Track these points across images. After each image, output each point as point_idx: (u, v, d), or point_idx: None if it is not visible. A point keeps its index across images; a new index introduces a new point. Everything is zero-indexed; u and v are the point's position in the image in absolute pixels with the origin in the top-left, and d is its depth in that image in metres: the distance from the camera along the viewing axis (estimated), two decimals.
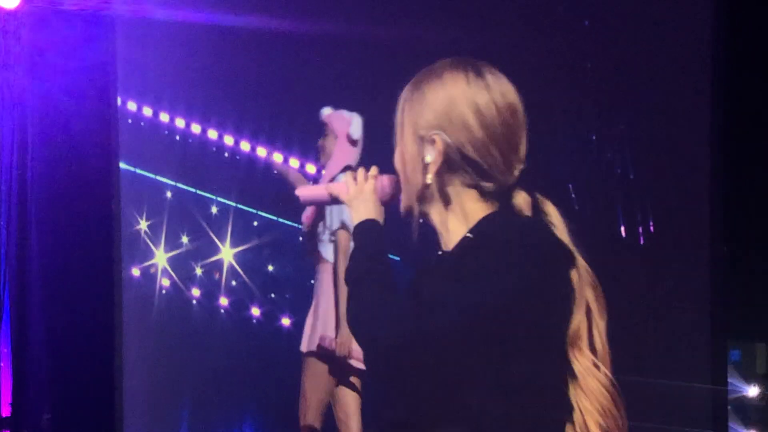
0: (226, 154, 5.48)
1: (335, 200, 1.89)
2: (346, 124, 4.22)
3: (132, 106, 5.25)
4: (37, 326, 3.95)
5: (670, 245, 4.20)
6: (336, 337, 4.17)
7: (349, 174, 1.84)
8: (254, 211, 5.52)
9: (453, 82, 1.71)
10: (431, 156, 1.68)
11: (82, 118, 3.98)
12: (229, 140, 5.43)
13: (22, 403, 3.85)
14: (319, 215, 4.28)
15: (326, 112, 4.32)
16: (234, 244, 5.53)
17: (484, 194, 1.68)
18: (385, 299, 1.66)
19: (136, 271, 5.41)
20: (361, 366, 4.04)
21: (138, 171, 5.37)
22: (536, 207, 1.73)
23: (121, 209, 4.88)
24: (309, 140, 4.91)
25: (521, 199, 1.71)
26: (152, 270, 5.56)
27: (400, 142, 1.73)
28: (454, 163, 1.68)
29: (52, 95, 3.95)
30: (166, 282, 5.64)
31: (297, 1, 4.13)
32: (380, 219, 1.82)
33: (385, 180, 1.83)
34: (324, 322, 4.21)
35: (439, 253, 1.72)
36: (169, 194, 5.66)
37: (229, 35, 4.19)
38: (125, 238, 5.11)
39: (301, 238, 4.39)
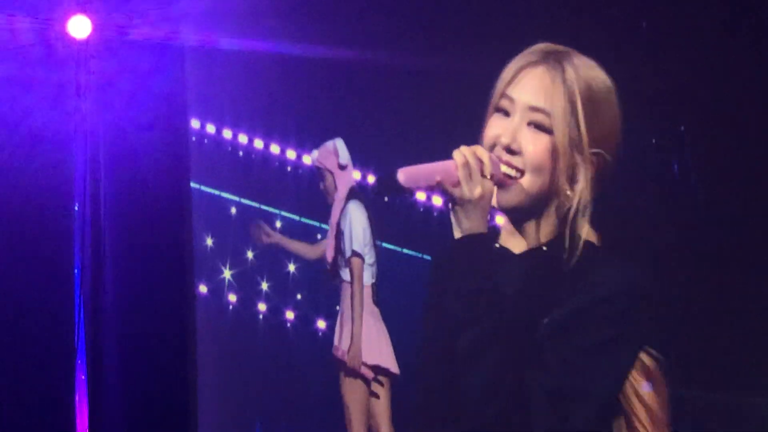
0: (289, 168, 5.56)
1: (442, 190, 1.57)
2: (334, 158, 4.35)
3: (196, 123, 5.32)
4: (111, 352, 3.99)
5: (741, 253, 4.12)
6: (348, 350, 4.29)
7: (463, 165, 1.54)
8: (317, 223, 5.58)
9: (614, 100, 1.60)
10: (586, 175, 1.57)
11: (151, 146, 4.00)
12: (291, 154, 5.49)
13: (99, 428, 3.89)
14: (338, 248, 4.42)
15: (313, 156, 4.50)
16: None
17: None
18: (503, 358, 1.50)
19: (203, 288, 5.49)
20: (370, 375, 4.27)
21: (205, 189, 5.45)
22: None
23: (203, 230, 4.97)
24: (366, 151, 5.01)
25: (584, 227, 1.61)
26: (219, 285, 5.65)
27: (551, 138, 1.56)
28: (596, 185, 1.58)
29: (123, 124, 3.97)
30: (232, 297, 5.72)
31: (346, 32, 4.27)
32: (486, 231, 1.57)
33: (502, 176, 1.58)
34: (346, 337, 4.34)
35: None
36: (234, 210, 5.74)
37: (290, 61, 4.31)
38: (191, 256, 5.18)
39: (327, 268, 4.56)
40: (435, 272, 1.67)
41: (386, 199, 1.60)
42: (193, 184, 5.02)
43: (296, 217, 5.70)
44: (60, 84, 3.90)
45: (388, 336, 4.40)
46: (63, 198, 3.92)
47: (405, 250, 5.40)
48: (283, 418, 5.67)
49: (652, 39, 4.24)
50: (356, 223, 4.30)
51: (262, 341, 5.77)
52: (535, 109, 1.57)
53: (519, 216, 1.62)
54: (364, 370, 4.31)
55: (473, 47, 3.99)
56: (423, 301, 1.68)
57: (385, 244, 4.92)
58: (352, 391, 4.31)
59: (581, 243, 1.57)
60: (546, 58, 1.60)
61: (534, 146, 1.56)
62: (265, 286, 5.77)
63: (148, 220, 4.00)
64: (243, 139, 5.55)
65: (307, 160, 5.34)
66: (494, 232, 1.66)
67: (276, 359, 5.68)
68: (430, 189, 1.56)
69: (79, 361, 3.92)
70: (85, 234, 3.90)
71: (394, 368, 4.34)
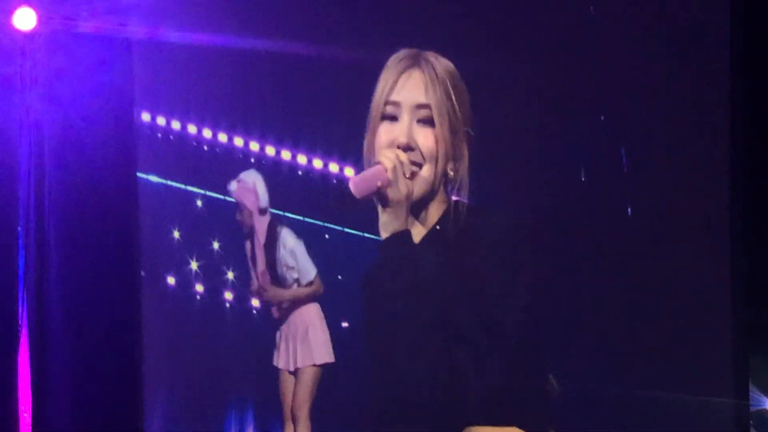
0: (252, 160, 5.56)
1: (380, 196, 1.71)
2: (254, 198, 4.68)
3: (146, 117, 5.31)
4: (58, 347, 3.98)
5: (690, 250, 4.18)
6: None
7: (393, 169, 1.70)
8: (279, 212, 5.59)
9: (463, 84, 1.81)
10: (464, 151, 1.77)
11: (98, 138, 3.99)
12: (254, 146, 5.50)
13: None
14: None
15: (233, 188, 4.79)
16: None
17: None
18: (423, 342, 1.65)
19: (171, 280, 5.50)
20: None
21: (165, 182, 5.45)
22: None
23: (154, 221, 4.98)
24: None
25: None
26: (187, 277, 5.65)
27: (440, 133, 1.74)
28: (469, 160, 1.77)
29: (69, 116, 3.95)
30: (200, 288, 5.72)
31: (295, 24, 4.30)
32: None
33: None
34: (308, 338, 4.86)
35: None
36: (199, 203, 5.74)
37: (238, 54, 4.31)
38: (160, 248, 5.21)
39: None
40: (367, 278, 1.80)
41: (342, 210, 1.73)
42: (157, 179, 5.03)
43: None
44: (5, 76, 3.88)
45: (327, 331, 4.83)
46: (7, 191, 3.90)
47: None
48: (253, 404, 5.70)
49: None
50: (300, 252, 4.72)
51: (230, 328, 5.79)
52: (421, 106, 1.76)
53: (419, 207, 1.77)
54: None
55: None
56: (360, 294, 1.79)
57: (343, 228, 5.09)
58: (302, 389, 4.83)
59: (465, 201, 1.77)
60: (416, 60, 1.79)
61: (425, 139, 1.75)
62: (230, 275, 5.79)
63: (94, 211, 4.00)
64: (207, 133, 5.54)
65: (270, 151, 5.40)
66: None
67: (244, 344, 5.70)
68: (372, 195, 1.70)
69: (23, 361, 3.92)
70: (29, 229, 3.89)
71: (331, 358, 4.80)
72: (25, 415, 3.95)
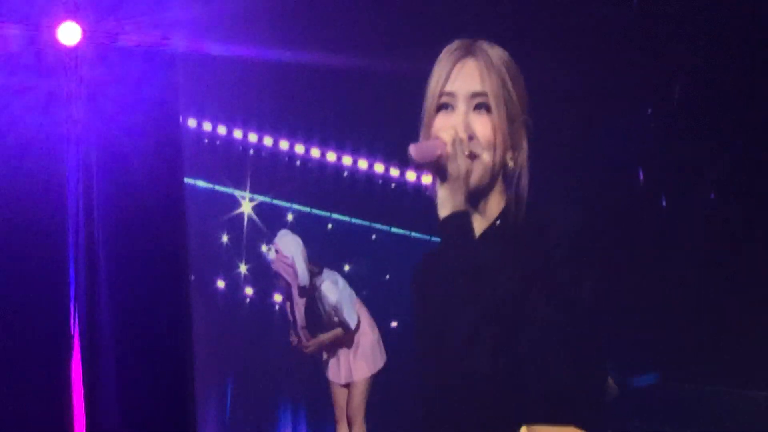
0: (298, 163, 5.63)
1: (437, 167, 1.71)
2: (293, 274, 4.92)
3: (192, 123, 5.37)
4: (109, 357, 4.04)
5: (734, 247, 4.11)
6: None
7: (453, 143, 1.70)
8: (328, 214, 5.64)
9: (520, 72, 1.77)
10: (523, 139, 1.75)
11: (144, 152, 4.02)
12: (300, 149, 5.57)
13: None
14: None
15: (271, 256, 5.07)
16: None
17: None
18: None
19: (221, 283, 5.59)
20: None
21: (219, 188, 5.54)
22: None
23: (203, 226, 5.09)
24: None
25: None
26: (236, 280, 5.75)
27: (494, 116, 1.72)
28: (529, 149, 1.75)
29: (114, 130, 3.99)
30: (249, 291, 5.81)
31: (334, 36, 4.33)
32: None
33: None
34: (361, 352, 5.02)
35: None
36: (248, 208, 5.82)
37: (280, 66, 4.36)
38: (209, 252, 5.32)
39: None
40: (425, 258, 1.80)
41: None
42: (205, 184, 5.10)
43: (307, 209, 5.76)
44: (50, 91, 3.93)
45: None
46: (56, 206, 3.95)
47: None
48: (305, 407, 5.76)
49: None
50: (345, 301, 4.95)
51: (280, 330, 5.86)
52: (477, 95, 1.74)
53: (477, 197, 1.74)
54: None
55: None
56: (412, 284, 1.79)
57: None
58: (356, 398, 5.08)
59: (525, 195, 1.74)
60: (470, 50, 1.77)
61: (483, 127, 1.73)
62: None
63: (142, 223, 4.03)
64: (253, 137, 5.60)
65: (315, 153, 5.49)
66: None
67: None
68: (430, 166, 1.70)
69: (75, 367, 3.98)
70: (79, 242, 3.94)
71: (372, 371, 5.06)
72: (78, 422, 4.02)
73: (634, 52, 4.23)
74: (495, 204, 1.76)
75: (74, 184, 3.98)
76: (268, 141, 5.53)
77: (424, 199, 5.18)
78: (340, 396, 5.08)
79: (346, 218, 5.50)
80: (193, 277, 5.15)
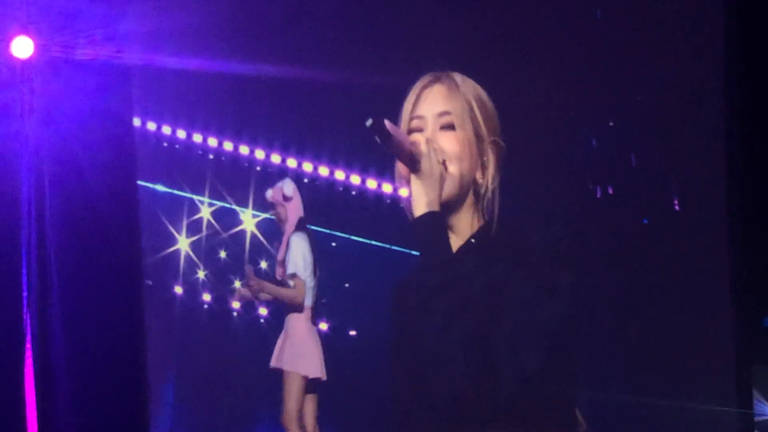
0: (258, 168, 5.68)
1: (409, 160, 1.77)
2: (279, 191, 4.99)
3: (151, 126, 5.41)
4: (60, 361, 4.08)
5: (693, 259, 4.19)
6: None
7: (428, 141, 1.79)
8: None
9: (491, 102, 1.86)
10: (491, 159, 1.83)
11: (97, 162, 4.07)
12: (260, 154, 5.62)
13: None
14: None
15: (268, 194, 5.12)
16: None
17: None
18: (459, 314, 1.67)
19: (179, 289, 5.61)
20: None
21: (177, 192, 5.57)
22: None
23: (159, 233, 5.12)
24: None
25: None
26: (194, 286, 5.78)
27: (464, 137, 1.81)
28: (498, 171, 1.83)
29: (68, 143, 4.03)
30: (207, 297, 5.83)
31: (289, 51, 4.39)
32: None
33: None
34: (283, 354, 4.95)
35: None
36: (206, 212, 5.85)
37: (232, 78, 4.41)
38: (166, 258, 5.36)
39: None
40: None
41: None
42: (162, 188, 5.13)
43: (267, 215, 5.80)
44: (3, 104, 3.96)
45: (320, 349, 4.99)
46: (9, 216, 3.99)
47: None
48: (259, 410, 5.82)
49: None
50: (296, 249, 4.91)
51: (236, 336, 5.90)
52: (442, 114, 1.84)
53: (449, 210, 1.81)
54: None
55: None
56: (392, 298, 1.86)
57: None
58: (287, 395, 4.94)
59: (496, 215, 1.82)
60: (438, 77, 1.88)
61: (449, 143, 1.82)
62: (238, 284, 5.89)
63: (95, 230, 4.07)
64: (213, 142, 5.64)
65: (276, 158, 5.56)
66: None
67: (250, 352, 5.82)
68: (401, 153, 1.77)
69: (28, 373, 4.01)
70: (31, 249, 3.98)
71: (322, 375, 5.00)
72: (30, 428, 4.06)
73: (597, 64, 4.30)
74: (468, 222, 1.83)
75: (27, 193, 4.01)
76: (228, 146, 5.57)
77: (385, 207, 5.29)
78: (287, 392, 5.00)
79: (311, 227, 5.55)
80: (150, 282, 5.20)
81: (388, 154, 1.84)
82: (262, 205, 5.71)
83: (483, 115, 1.84)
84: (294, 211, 5.01)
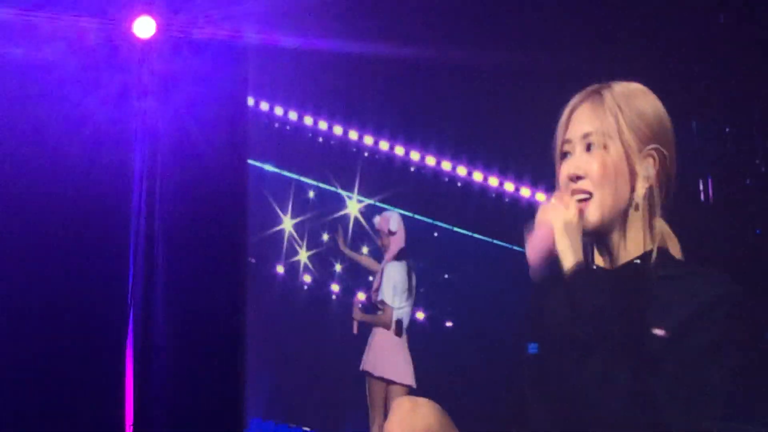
0: (366, 154, 5.65)
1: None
2: (385, 224, 5.19)
3: (279, 110, 5.41)
4: (161, 338, 4.12)
5: None
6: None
7: (556, 196, 1.78)
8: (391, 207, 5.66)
9: (655, 98, 1.79)
10: (648, 171, 1.73)
11: (211, 142, 4.08)
12: (368, 140, 5.60)
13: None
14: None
15: (375, 220, 5.28)
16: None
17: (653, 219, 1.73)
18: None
19: (280, 269, 5.65)
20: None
21: (286, 173, 5.60)
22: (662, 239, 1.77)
23: (266, 213, 5.15)
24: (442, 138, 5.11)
25: (664, 230, 1.75)
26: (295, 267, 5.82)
27: (606, 153, 1.73)
28: (663, 181, 1.74)
29: (185, 122, 4.05)
30: (307, 278, 5.86)
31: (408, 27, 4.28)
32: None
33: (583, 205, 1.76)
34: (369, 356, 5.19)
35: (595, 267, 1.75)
36: (311, 194, 5.86)
37: (351, 58, 4.33)
38: (269, 239, 5.40)
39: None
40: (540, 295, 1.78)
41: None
42: (271, 168, 5.15)
43: (371, 201, 5.78)
44: (123, 84, 4.00)
45: (407, 357, 5.21)
46: (121, 193, 4.04)
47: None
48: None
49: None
50: (387, 279, 5.18)
51: (335, 320, 5.89)
52: (586, 135, 1.79)
53: (603, 234, 1.77)
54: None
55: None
56: (526, 317, 1.80)
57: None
58: (372, 395, 5.21)
59: (658, 240, 1.73)
60: (588, 95, 1.83)
61: (595, 164, 1.76)
62: (338, 267, 5.89)
63: (205, 211, 4.10)
64: (323, 125, 5.62)
65: (383, 145, 5.55)
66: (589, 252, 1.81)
67: (346, 337, 5.82)
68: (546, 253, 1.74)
69: (129, 350, 4.07)
70: (139, 234, 4.02)
71: (411, 382, 5.19)
72: (128, 395, 4.11)
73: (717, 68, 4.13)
74: (632, 244, 1.77)
75: (139, 174, 4.05)
76: (337, 130, 5.56)
77: (490, 200, 5.19)
78: (373, 392, 5.21)
79: (409, 213, 5.51)
80: (253, 260, 5.23)
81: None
82: (367, 190, 5.69)
83: (632, 125, 1.76)
84: (396, 243, 5.24)
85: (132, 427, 4.02)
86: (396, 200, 5.62)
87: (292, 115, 5.58)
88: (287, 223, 5.95)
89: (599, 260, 1.79)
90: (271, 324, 5.47)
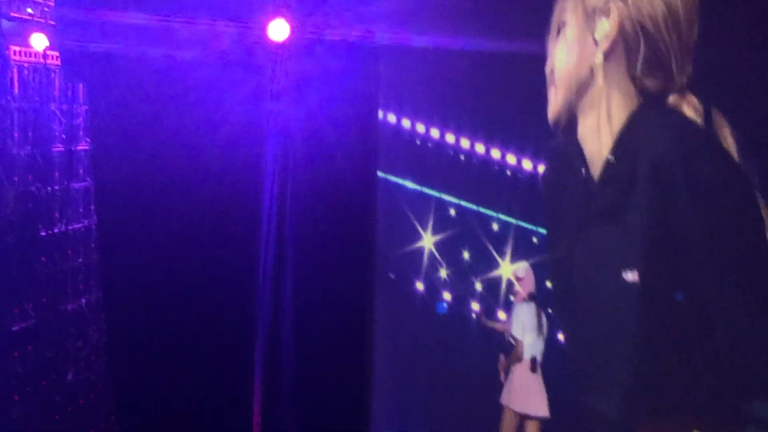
0: (509, 173, 5.49)
1: None
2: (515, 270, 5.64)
3: (391, 118, 5.34)
4: (289, 343, 4.10)
5: None
6: None
7: None
8: (532, 227, 5.47)
9: None
10: (605, 29, 1.42)
11: (343, 142, 4.07)
12: (511, 159, 5.44)
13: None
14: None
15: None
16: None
17: (643, 94, 1.48)
18: None
19: (420, 285, 5.54)
20: None
21: (427, 191, 5.52)
22: (708, 120, 1.47)
23: (400, 224, 5.06)
24: None
25: (690, 106, 1.46)
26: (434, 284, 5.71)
27: (562, 30, 1.57)
28: (629, 40, 1.48)
29: (317, 122, 4.07)
30: (447, 296, 5.73)
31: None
32: None
33: None
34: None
35: (583, 173, 1.52)
36: (453, 212, 5.74)
37: (485, 58, 4.19)
38: (409, 255, 5.30)
39: None
40: None
41: None
42: (411, 184, 5.08)
43: (512, 221, 5.62)
44: (258, 85, 4.06)
45: (542, 390, 5.46)
46: (254, 196, 4.08)
47: None
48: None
49: None
50: (516, 318, 5.60)
51: (473, 339, 5.76)
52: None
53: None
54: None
55: None
56: None
57: None
58: (505, 428, 5.53)
59: None
60: None
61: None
62: (478, 286, 5.75)
63: (334, 213, 4.09)
64: (450, 138, 5.52)
65: (526, 165, 5.39)
66: None
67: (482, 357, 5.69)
68: None
69: (258, 351, 4.07)
70: (270, 231, 4.04)
71: (545, 413, 5.47)
72: (257, 396, 4.09)
73: None
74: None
75: (272, 170, 4.09)
76: (479, 148, 5.44)
77: None
78: (505, 419, 5.52)
79: (512, 220, 5.39)
80: (392, 276, 5.16)
81: None
82: (508, 208, 5.55)
83: None
84: (526, 286, 5.63)
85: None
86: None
87: (434, 133, 5.52)
88: (427, 240, 5.86)
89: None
90: (408, 341, 5.37)
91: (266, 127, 4.07)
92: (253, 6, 4.04)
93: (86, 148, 4.89)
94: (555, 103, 1.57)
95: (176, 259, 3.91)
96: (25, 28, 4.61)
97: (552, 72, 1.60)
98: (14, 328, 4.40)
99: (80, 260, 4.83)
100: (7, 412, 4.15)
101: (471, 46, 4.06)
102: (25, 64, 4.80)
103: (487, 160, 5.53)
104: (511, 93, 4.66)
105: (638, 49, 1.43)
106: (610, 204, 1.41)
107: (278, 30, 4.05)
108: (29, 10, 4.62)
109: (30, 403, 4.33)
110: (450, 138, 5.58)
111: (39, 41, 4.63)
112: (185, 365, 3.88)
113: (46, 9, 4.66)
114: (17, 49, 4.73)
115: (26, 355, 4.43)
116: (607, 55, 1.48)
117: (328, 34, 4.08)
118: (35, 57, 4.80)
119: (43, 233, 4.60)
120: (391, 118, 5.14)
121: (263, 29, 4.04)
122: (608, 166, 1.47)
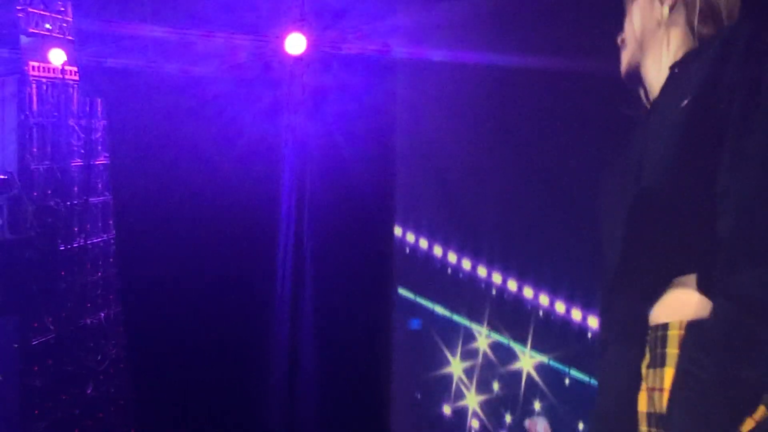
0: None
1: None
2: (533, 426, 5.17)
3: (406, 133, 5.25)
4: (308, 355, 4.09)
5: None
6: None
7: None
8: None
9: None
10: None
11: (360, 156, 4.07)
12: None
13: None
14: None
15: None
16: None
17: (699, 39, 1.67)
18: None
19: (447, 409, 5.41)
20: None
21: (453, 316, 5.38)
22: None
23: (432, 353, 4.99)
24: None
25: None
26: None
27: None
28: None
29: (333, 135, 4.07)
30: (475, 423, 5.60)
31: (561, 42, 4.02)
32: None
33: None
34: None
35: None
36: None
37: (502, 72, 4.13)
38: (438, 379, 5.19)
39: None
40: None
41: None
42: (441, 309, 4.97)
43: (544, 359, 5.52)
44: (275, 98, 4.07)
45: None
46: (272, 208, 4.08)
47: None
48: None
49: None
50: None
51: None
52: None
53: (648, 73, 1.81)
54: None
55: None
56: None
57: None
58: None
59: None
60: None
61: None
62: (508, 419, 5.70)
63: (351, 226, 4.07)
64: (497, 278, 5.34)
65: (559, 307, 5.24)
66: None
67: None
68: None
69: (278, 366, 4.06)
70: (287, 244, 4.04)
71: None
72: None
73: None
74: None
75: (289, 186, 4.09)
76: (512, 285, 5.23)
77: None
78: None
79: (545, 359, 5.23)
80: (419, 396, 5.10)
81: None
82: (540, 347, 5.39)
83: None
84: None
85: None
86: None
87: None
88: (456, 366, 5.78)
89: None
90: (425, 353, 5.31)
91: (283, 141, 4.07)
92: (270, 20, 4.05)
93: (105, 162, 4.92)
94: (626, 59, 1.78)
95: (194, 273, 3.91)
96: (43, 43, 4.65)
97: (623, 40, 1.79)
98: (34, 343, 4.42)
99: (99, 274, 4.86)
100: (28, 426, 4.16)
101: (490, 60, 4.05)
102: (44, 80, 4.83)
103: (519, 298, 5.27)
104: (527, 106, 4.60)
105: (695, 2, 1.65)
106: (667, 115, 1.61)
107: (295, 44, 4.06)
108: (47, 26, 4.66)
109: (50, 417, 4.34)
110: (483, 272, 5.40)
111: (57, 57, 4.67)
112: (205, 379, 3.88)
113: (64, 24, 4.70)
114: (36, 64, 4.76)
115: (46, 370, 4.45)
116: (671, 9, 1.72)
117: (345, 47, 4.08)
118: (54, 72, 4.83)
119: (62, 248, 4.62)
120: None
121: (280, 43, 4.04)
122: (671, 74, 1.67)
